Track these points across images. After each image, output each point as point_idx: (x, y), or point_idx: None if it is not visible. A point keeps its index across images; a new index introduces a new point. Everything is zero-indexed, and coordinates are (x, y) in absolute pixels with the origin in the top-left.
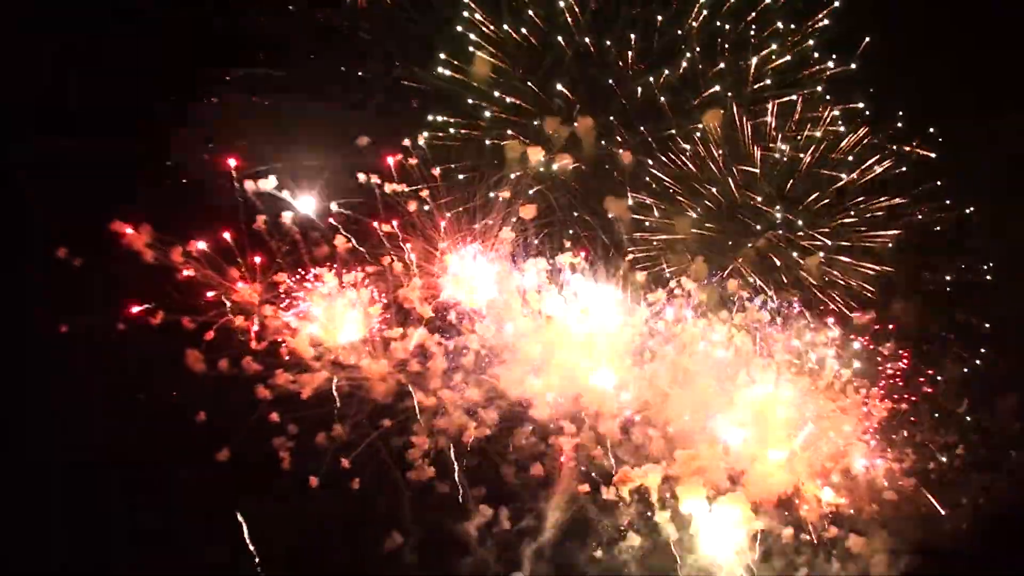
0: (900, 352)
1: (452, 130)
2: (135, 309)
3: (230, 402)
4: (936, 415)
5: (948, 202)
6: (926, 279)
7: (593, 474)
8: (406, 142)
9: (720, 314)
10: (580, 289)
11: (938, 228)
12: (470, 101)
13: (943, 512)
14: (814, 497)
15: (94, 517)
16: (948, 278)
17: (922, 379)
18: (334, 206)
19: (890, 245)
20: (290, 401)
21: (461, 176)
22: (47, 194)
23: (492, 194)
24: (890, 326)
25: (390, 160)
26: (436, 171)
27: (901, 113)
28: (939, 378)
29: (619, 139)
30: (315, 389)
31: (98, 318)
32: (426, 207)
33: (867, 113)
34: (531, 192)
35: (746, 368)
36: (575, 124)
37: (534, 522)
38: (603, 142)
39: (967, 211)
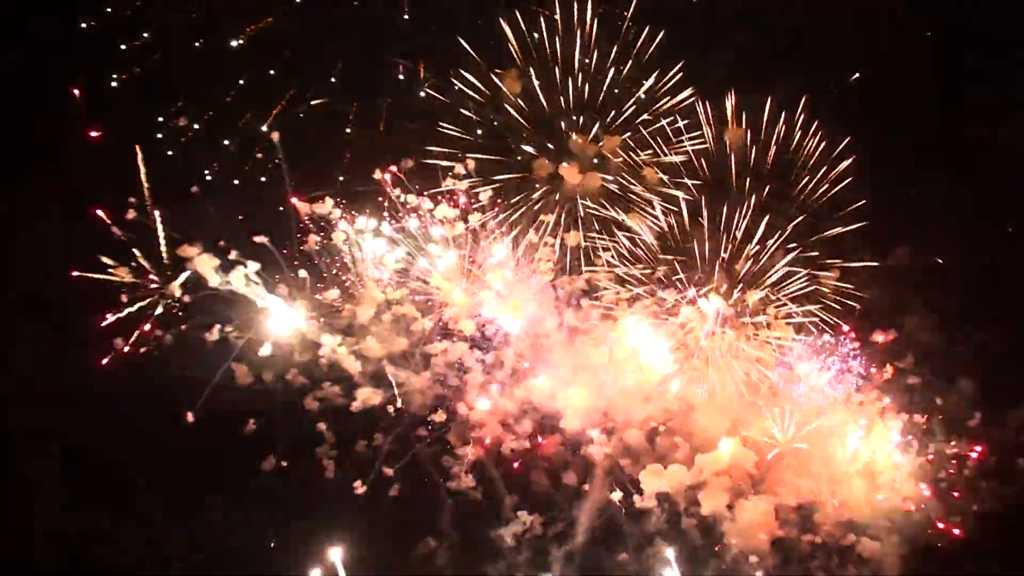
0: (916, 366)
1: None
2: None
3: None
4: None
5: None
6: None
7: (623, 482)
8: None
9: (746, 329)
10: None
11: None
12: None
13: (953, 518)
14: (831, 504)
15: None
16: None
17: (936, 393)
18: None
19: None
20: (337, 413)
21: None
22: None
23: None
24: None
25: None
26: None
27: None
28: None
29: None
30: (363, 401)
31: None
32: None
33: None
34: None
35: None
36: (601, 143)
37: (566, 528)
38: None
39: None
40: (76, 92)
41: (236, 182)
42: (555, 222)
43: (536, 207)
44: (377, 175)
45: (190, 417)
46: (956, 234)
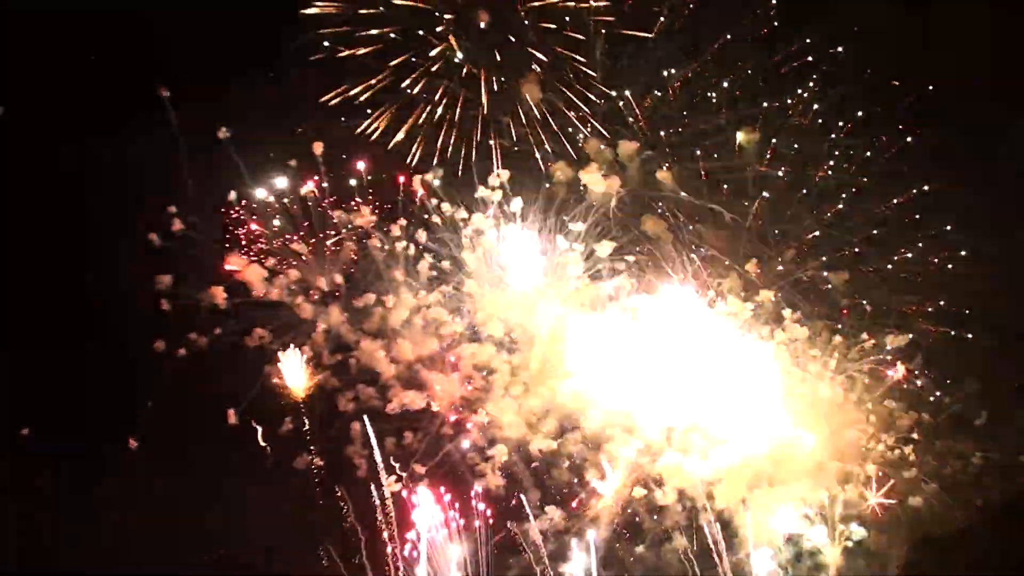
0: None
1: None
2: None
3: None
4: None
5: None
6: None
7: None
8: None
9: (760, 330)
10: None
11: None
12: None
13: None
14: (842, 500)
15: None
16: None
17: (943, 392)
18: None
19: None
20: (369, 413)
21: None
22: None
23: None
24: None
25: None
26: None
27: None
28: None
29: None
30: (395, 402)
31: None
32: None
33: None
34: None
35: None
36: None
37: (587, 523)
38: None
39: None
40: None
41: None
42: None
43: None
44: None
45: (232, 417)
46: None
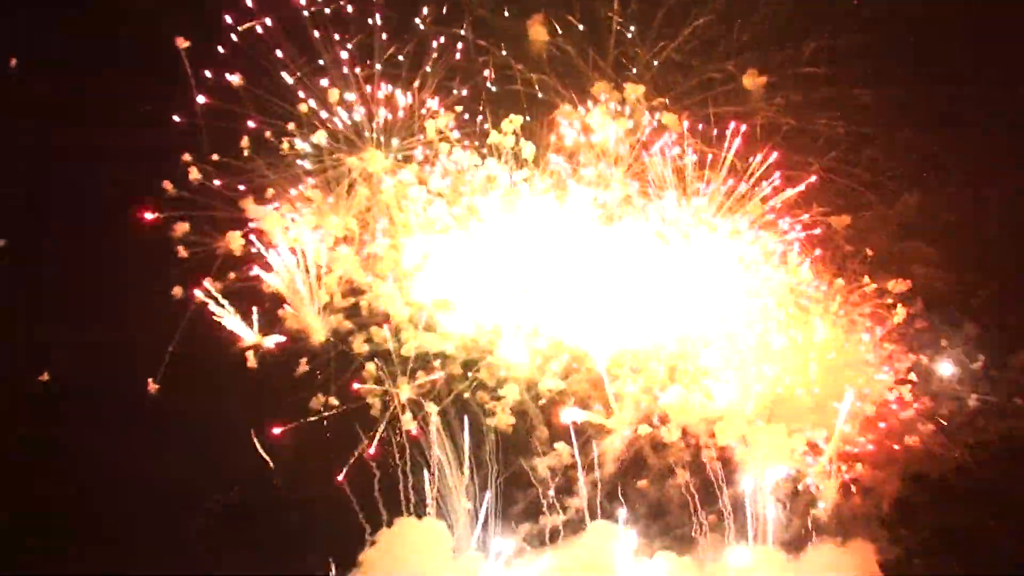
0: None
1: None
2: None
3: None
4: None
5: None
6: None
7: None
8: None
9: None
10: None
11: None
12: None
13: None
14: (840, 438)
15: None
16: None
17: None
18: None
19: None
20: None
21: None
22: None
23: None
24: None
25: None
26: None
27: None
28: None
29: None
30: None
31: None
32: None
33: None
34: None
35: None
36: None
37: (594, 459)
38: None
39: None
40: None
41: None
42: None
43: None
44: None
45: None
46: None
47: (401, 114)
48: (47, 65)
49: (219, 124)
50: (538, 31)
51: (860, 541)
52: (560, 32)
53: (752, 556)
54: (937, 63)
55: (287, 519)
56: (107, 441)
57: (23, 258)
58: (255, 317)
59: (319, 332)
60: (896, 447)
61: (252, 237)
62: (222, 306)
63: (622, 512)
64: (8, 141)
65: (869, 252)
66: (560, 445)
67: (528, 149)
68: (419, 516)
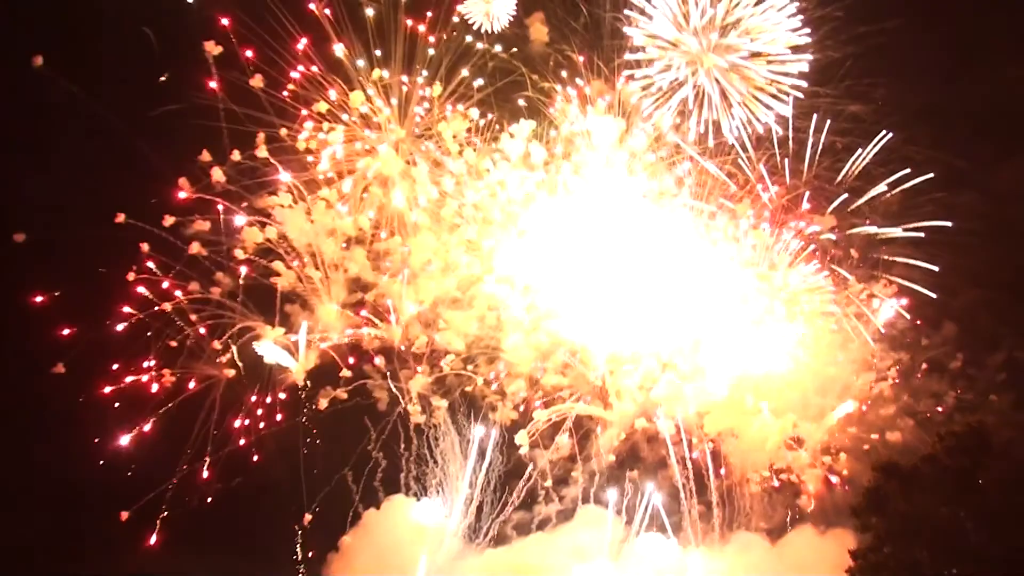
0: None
1: None
2: None
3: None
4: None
5: None
6: None
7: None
8: None
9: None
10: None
11: None
12: None
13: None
14: (824, 431)
15: None
16: None
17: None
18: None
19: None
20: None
21: None
22: None
23: None
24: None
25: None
26: None
27: None
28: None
29: None
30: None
31: None
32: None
33: None
34: None
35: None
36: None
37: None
38: None
39: None
40: None
41: None
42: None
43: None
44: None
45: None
46: None
47: (417, 119)
48: (69, 65)
49: (238, 126)
50: (539, 31)
51: (840, 530)
52: None
53: (735, 541)
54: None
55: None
56: None
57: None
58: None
59: (333, 328)
60: (875, 437)
61: (269, 235)
62: None
63: (612, 496)
64: (31, 139)
65: (854, 254)
66: (561, 438)
67: (539, 153)
68: (417, 498)
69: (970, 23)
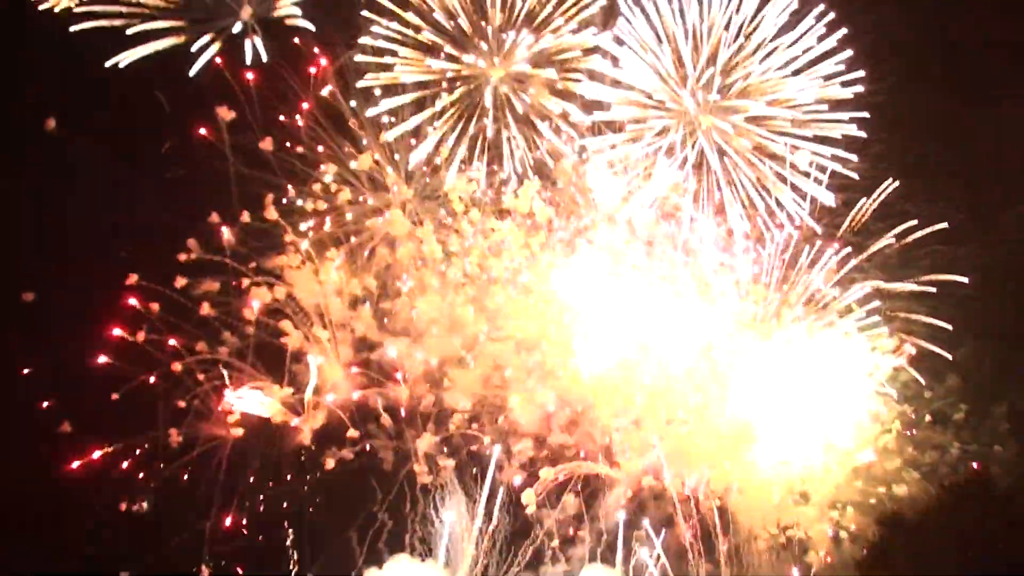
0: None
1: None
2: None
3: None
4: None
5: None
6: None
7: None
8: None
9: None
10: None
11: None
12: None
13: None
14: (831, 485)
15: None
16: None
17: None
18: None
19: None
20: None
21: None
22: None
23: None
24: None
25: None
26: None
27: None
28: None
29: None
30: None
31: None
32: None
33: None
34: None
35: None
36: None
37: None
38: None
39: None
40: None
41: None
42: None
43: None
44: None
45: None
46: None
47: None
48: (85, 129)
49: (247, 188)
50: (540, 92)
51: None
52: None
53: None
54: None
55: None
56: None
57: None
58: None
59: (340, 388)
60: (882, 490)
61: (277, 295)
62: None
63: (619, 556)
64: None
65: (855, 307)
66: (568, 497)
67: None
68: (422, 559)
69: (967, 75)
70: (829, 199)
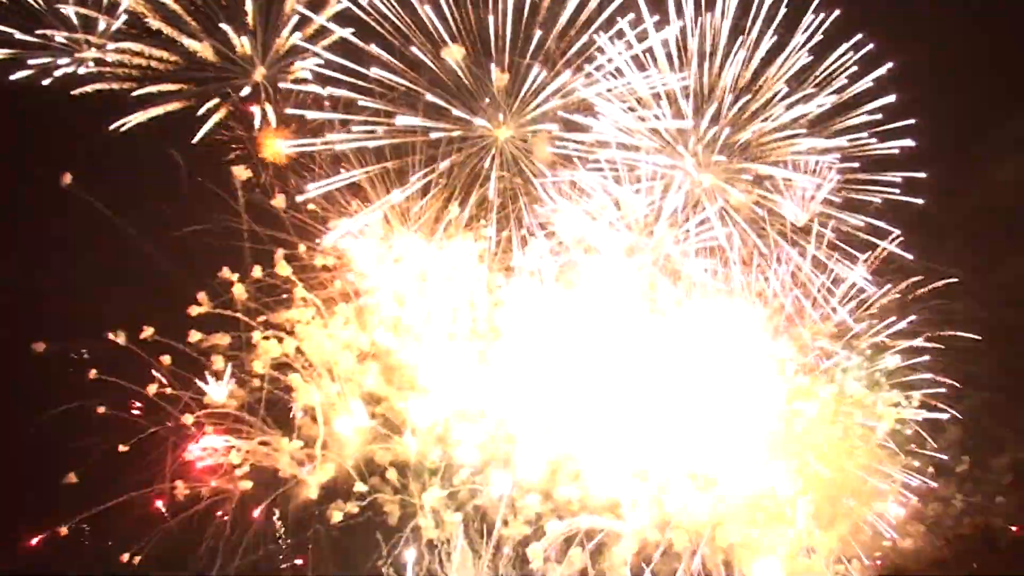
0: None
1: None
2: None
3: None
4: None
5: None
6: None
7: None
8: None
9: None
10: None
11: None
12: None
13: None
14: (838, 540)
15: None
16: None
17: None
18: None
19: None
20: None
21: None
22: None
23: None
24: None
25: None
26: None
27: None
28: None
29: None
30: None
31: None
32: None
33: None
34: None
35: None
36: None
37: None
38: None
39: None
40: None
41: None
42: None
43: None
44: None
45: None
46: None
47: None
48: (103, 184)
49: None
50: (540, 148)
51: None
52: None
53: None
54: None
55: None
56: None
57: None
58: None
59: (348, 443)
60: (887, 543)
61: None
62: None
63: None
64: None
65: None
66: (574, 552)
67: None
68: None
69: (963, 128)
70: None
